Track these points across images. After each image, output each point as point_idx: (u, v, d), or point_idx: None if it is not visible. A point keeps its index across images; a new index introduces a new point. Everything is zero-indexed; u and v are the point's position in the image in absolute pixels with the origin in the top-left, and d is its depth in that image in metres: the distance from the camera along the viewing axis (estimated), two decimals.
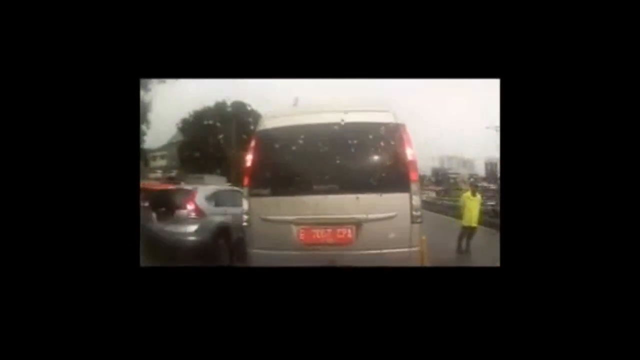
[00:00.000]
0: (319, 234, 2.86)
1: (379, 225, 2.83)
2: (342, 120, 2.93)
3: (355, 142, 2.95)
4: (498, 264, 1.97)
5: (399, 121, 2.97)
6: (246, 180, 3.07)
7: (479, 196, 7.18)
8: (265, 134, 3.11)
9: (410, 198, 2.84)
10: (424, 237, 4.77)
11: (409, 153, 2.88)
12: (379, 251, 2.80)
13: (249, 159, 3.08)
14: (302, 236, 2.87)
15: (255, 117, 24.53)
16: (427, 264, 4.38)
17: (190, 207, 5.17)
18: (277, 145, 3.08)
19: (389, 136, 2.93)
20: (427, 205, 18.39)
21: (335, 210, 2.84)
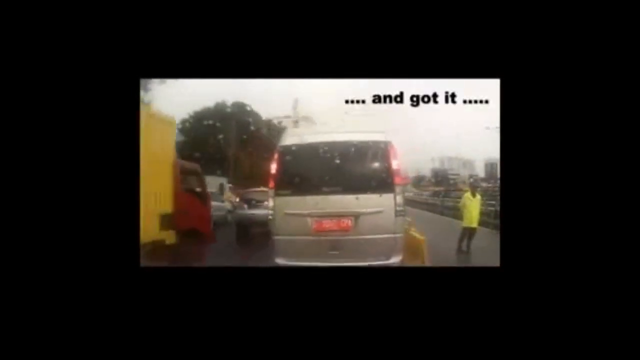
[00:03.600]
0: (327, 223, 3.81)
1: (371, 217, 3.76)
2: (346, 137, 3.99)
3: (355, 155, 3.93)
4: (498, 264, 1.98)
5: (388, 139, 3.96)
6: (271, 184, 4.02)
7: (479, 197, 7.18)
8: (286, 148, 4.10)
9: (395, 197, 3.78)
10: (423, 238, 4.85)
11: (394, 163, 3.86)
12: (371, 236, 3.75)
13: (273, 167, 4.04)
14: (314, 225, 3.82)
15: (255, 117, 24.41)
16: (428, 264, 4.45)
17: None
18: (295, 157, 4.04)
19: (380, 151, 3.92)
20: (427, 206, 18.40)
21: (339, 206, 3.80)
